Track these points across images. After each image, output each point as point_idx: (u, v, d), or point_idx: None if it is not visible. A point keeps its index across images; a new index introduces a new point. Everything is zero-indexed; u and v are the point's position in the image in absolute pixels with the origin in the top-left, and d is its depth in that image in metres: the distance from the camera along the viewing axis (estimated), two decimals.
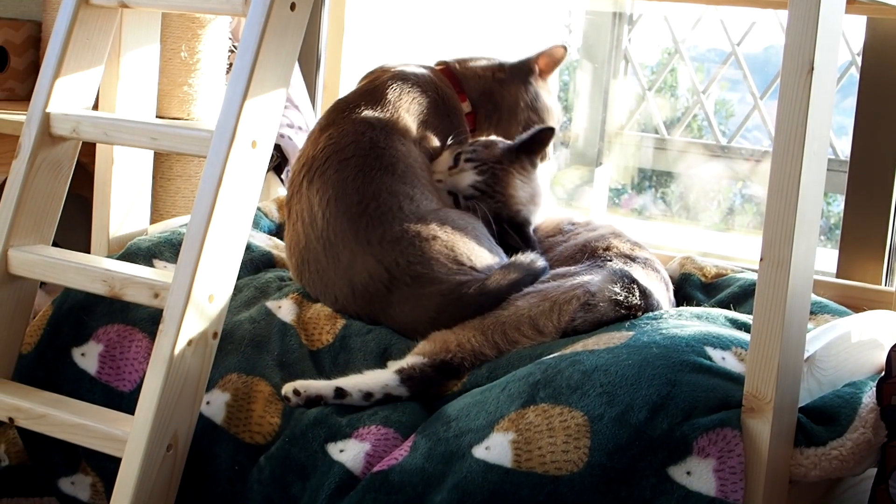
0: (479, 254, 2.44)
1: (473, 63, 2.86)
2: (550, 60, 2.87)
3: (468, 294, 2.35)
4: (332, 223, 2.45)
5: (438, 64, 2.85)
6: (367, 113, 2.59)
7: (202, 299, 2.14)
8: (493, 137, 2.73)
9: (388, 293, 2.39)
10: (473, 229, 2.49)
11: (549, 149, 2.72)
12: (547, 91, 2.88)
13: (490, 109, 2.82)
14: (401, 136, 2.59)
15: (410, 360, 2.25)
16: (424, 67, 2.79)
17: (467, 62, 2.86)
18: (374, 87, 2.66)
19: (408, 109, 2.63)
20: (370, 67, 2.81)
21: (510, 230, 2.61)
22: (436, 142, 2.67)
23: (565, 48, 2.87)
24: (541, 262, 2.44)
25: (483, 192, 2.61)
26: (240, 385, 2.27)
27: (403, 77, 2.68)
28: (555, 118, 2.88)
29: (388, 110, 2.61)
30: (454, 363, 2.25)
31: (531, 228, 2.67)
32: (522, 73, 2.85)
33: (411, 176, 2.53)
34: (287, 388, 2.23)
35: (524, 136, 2.67)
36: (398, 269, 2.38)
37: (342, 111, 2.61)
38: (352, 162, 2.50)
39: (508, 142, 2.71)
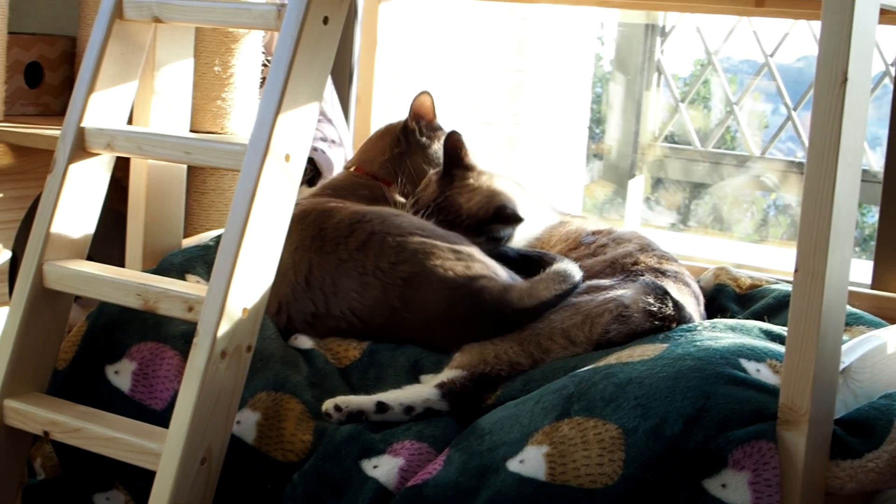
0: (470, 249, 2.45)
1: (374, 152, 2.89)
2: (423, 110, 2.89)
3: (485, 291, 2.36)
4: (315, 268, 2.46)
5: (349, 166, 2.90)
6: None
7: (236, 312, 2.15)
8: (430, 173, 2.77)
9: (390, 308, 2.40)
10: (456, 236, 2.51)
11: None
12: (439, 143, 2.90)
13: (406, 182, 2.84)
14: None
15: (450, 373, 2.25)
16: (350, 182, 2.82)
17: (368, 154, 2.89)
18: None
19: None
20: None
21: (496, 224, 2.63)
22: None
23: (428, 93, 2.88)
24: (576, 278, 2.41)
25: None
26: (270, 403, 2.27)
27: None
28: None
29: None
30: (492, 375, 2.25)
31: (515, 209, 2.66)
32: (410, 137, 2.89)
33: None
34: (328, 405, 2.23)
35: (442, 158, 2.72)
36: (384, 274, 2.39)
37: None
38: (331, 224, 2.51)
39: (438, 167, 2.76)
